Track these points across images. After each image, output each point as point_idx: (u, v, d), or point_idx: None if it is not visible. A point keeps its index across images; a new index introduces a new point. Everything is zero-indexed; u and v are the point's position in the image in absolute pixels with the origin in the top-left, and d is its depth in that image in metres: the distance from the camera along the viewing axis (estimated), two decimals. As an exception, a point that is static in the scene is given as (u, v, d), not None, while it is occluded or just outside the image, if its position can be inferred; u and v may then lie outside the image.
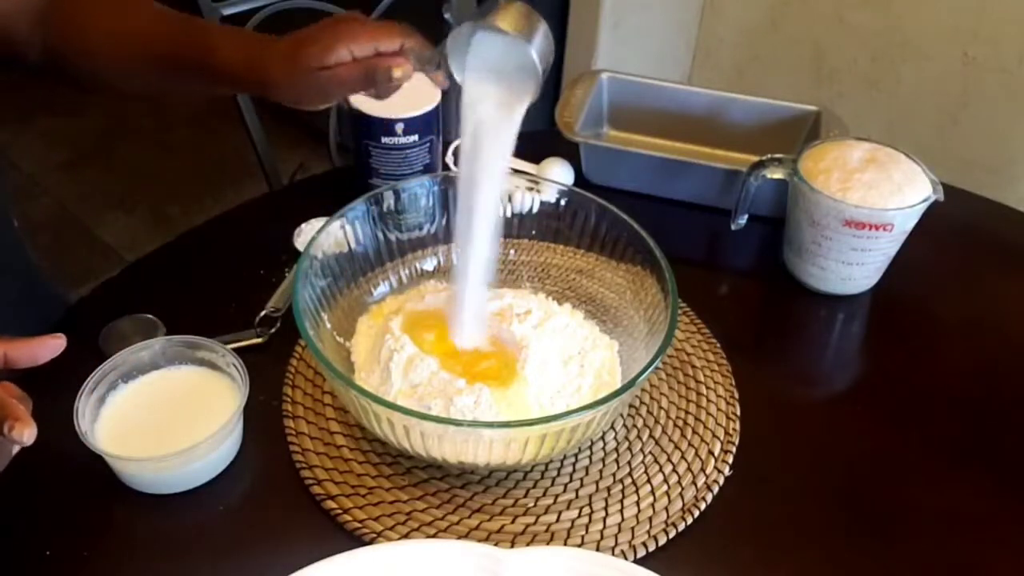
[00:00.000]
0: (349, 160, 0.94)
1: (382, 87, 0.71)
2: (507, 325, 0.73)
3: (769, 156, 0.86)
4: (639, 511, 0.67)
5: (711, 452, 0.71)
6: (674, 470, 0.70)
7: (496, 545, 0.58)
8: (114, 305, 0.82)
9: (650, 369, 0.63)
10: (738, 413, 0.75)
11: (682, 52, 1.98)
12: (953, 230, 0.94)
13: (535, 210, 0.80)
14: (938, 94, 1.67)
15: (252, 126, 1.14)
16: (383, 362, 0.70)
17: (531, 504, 0.68)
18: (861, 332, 0.88)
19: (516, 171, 0.92)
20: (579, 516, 0.67)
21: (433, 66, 0.69)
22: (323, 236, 0.72)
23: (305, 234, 0.87)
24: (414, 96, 0.87)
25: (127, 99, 2.29)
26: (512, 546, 0.64)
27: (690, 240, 0.95)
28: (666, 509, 0.67)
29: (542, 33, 0.61)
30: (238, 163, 2.25)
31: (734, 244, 0.94)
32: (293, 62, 0.71)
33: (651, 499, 0.68)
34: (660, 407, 0.75)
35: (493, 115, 0.65)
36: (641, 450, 0.71)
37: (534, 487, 0.69)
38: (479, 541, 0.63)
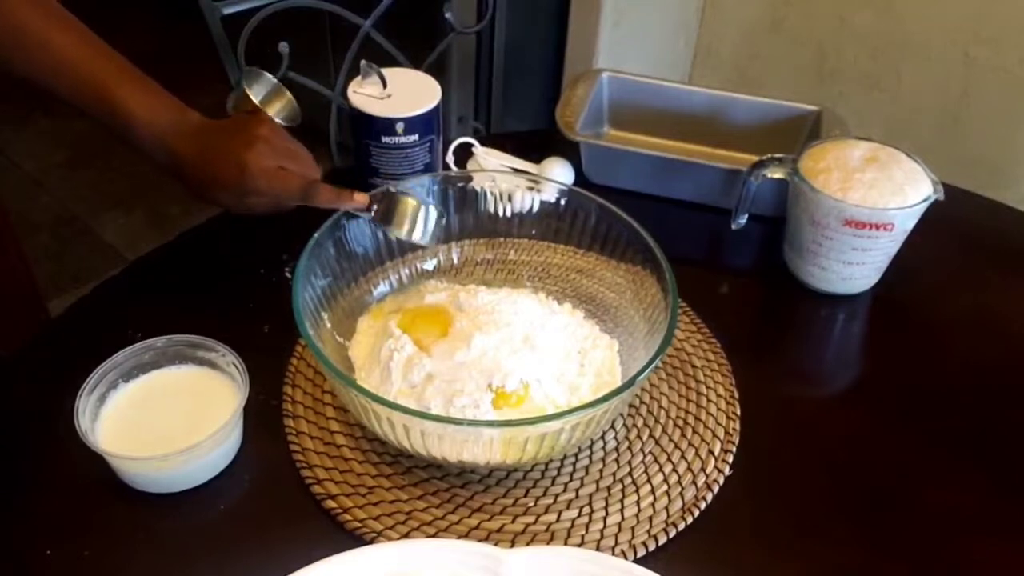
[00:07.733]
0: (349, 160, 0.94)
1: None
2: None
3: (769, 156, 0.86)
4: (639, 511, 0.67)
5: (711, 452, 0.71)
6: (674, 470, 0.70)
7: (496, 545, 0.58)
8: (114, 305, 0.82)
9: (650, 368, 0.63)
10: (738, 413, 0.75)
11: (682, 52, 1.98)
12: (953, 230, 0.94)
13: (535, 210, 0.80)
14: (939, 94, 1.67)
15: (252, 126, 1.13)
16: (383, 362, 0.70)
17: (531, 504, 0.68)
18: (861, 332, 0.88)
19: (516, 171, 0.92)
20: (579, 516, 0.67)
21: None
22: (323, 236, 0.72)
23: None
24: (414, 96, 0.87)
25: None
26: (512, 546, 0.64)
27: (690, 240, 0.95)
28: (666, 509, 0.67)
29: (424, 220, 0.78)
30: (238, 163, 2.26)
31: (734, 244, 0.94)
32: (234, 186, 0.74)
33: (651, 499, 0.68)
34: (660, 407, 0.75)
35: None
36: (641, 450, 0.71)
37: (534, 487, 0.69)
38: (479, 541, 0.63)
